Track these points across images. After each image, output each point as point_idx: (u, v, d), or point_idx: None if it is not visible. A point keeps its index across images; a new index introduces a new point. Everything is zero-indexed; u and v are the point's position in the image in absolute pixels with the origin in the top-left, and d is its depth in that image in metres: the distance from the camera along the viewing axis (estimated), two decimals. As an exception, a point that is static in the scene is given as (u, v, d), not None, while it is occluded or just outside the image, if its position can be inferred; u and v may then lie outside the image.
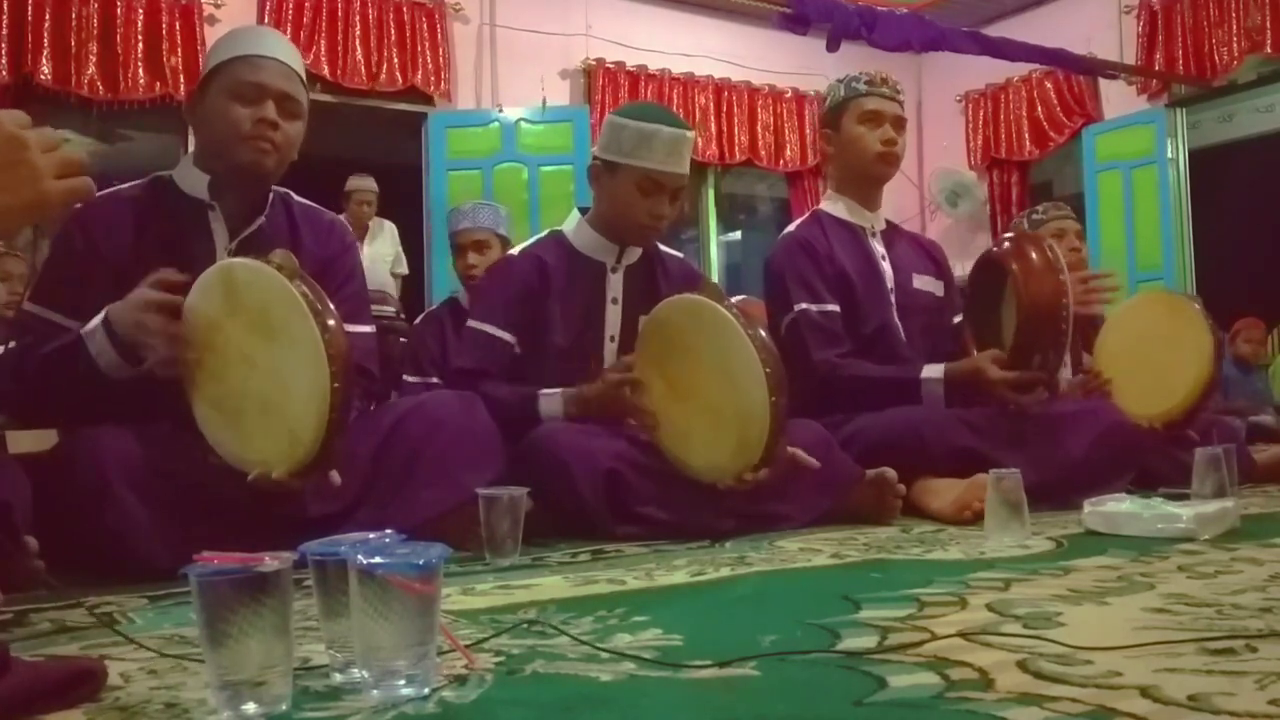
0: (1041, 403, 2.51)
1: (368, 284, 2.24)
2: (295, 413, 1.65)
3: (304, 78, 2.02)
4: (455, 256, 3.40)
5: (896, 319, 2.70)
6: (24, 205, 1.03)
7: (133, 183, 2.02)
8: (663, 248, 2.56)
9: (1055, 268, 2.45)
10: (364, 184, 5.84)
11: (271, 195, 2.04)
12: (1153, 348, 2.90)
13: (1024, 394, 2.46)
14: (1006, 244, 2.60)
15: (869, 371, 2.58)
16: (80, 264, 1.89)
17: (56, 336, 1.83)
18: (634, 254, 2.46)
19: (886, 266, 2.74)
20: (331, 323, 1.64)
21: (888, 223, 2.88)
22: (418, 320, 3.63)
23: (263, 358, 1.68)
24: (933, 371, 2.55)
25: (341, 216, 2.42)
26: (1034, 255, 2.47)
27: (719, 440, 2.05)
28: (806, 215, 2.86)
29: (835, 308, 2.64)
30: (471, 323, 2.40)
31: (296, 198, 2.12)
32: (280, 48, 1.99)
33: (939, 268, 2.90)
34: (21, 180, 1.03)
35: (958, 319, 2.87)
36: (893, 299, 2.71)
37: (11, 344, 1.95)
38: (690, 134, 2.37)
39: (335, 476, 1.74)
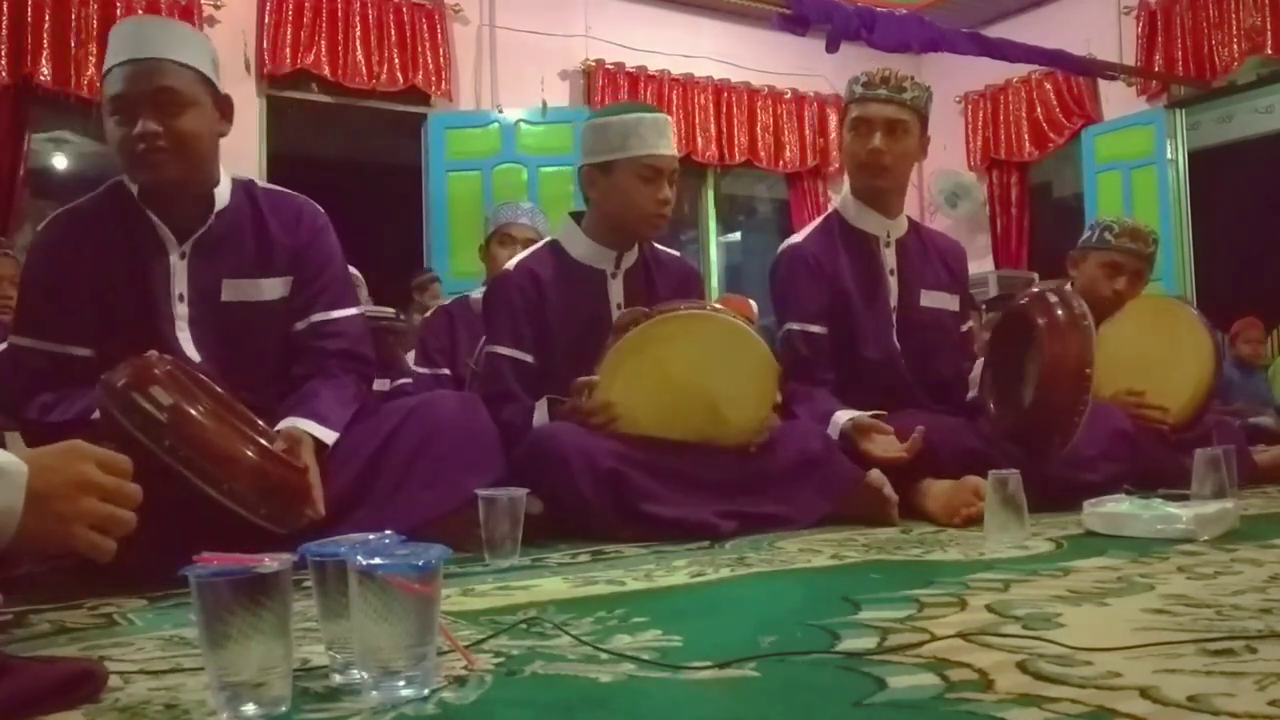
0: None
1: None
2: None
3: (186, 59, 1.81)
4: (501, 247, 3.39)
5: (896, 341, 2.61)
6: (43, 535, 1.00)
7: (92, 193, 1.96)
8: (658, 246, 2.56)
9: (1084, 330, 2.33)
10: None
11: (232, 185, 1.98)
12: (1149, 355, 2.82)
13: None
14: (1036, 298, 2.46)
15: (801, 409, 2.49)
16: (54, 288, 1.88)
17: (54, 365, 1.84)
18: (631, 257, 2.46)
19: (893, 283, 2.63)
20: (220, 477, 1.53)
21: (910, 223, 2.74)
22: (427, 314, 3.79)
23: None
24: (843, 418, 2.40)
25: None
26: (1061, 314, 2.35)
27: (742, 397, 2.18)
28: (820, 219, 2.74)
29: (821, 330, 2.57)
30: (488, 348, 2.39)
31: (262, 184, 2.05)
32: (143, 42, 1.81)
33: (953, 278, 2.76)
34: (54, 515, 1.01)
35: (966, 326, 2.81)
36: (894, 320, 2.62)
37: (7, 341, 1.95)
38: (668, 117, 2.43)
39: (319, 508, 1.71)
